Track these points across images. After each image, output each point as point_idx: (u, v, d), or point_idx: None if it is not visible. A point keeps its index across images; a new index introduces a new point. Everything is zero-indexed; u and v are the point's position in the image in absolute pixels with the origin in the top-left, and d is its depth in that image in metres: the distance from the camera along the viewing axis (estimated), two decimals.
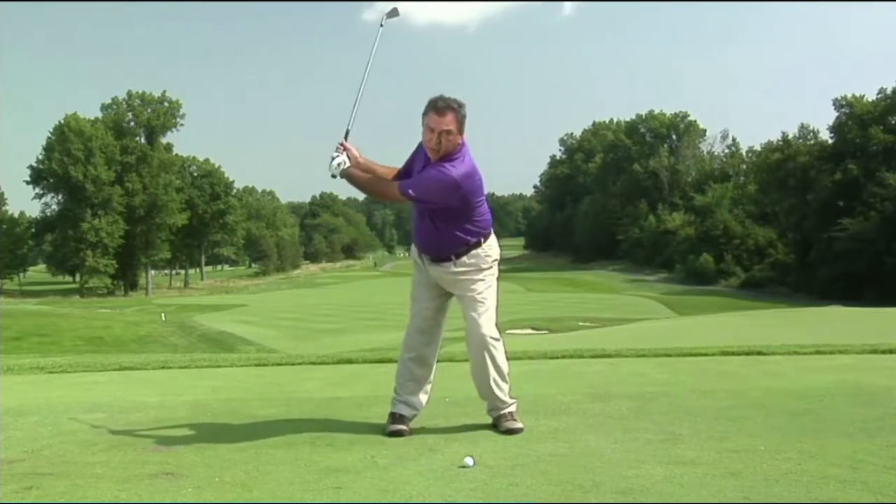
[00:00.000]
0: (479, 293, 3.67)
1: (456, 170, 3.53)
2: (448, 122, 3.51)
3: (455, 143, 3.56)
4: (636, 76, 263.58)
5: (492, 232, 3.79)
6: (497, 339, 3.66)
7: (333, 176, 3.68)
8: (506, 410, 3.67)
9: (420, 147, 3.73)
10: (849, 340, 8.38)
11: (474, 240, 3.67)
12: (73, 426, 3.92)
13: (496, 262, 3.78)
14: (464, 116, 3.57)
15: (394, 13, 4.04)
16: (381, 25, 3.95)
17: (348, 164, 3.67)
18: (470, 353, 3.72)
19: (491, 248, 3.74)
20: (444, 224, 3.62)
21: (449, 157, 3.56)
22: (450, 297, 3.82)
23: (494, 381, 3.65)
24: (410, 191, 3.56)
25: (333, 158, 3.65)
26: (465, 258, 3.66)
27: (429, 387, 3.83)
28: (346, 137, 3.76)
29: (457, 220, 3.62)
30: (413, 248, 3.88)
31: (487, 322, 3.64)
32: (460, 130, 3.56)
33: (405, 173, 3.80)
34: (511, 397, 3.71)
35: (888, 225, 57.52)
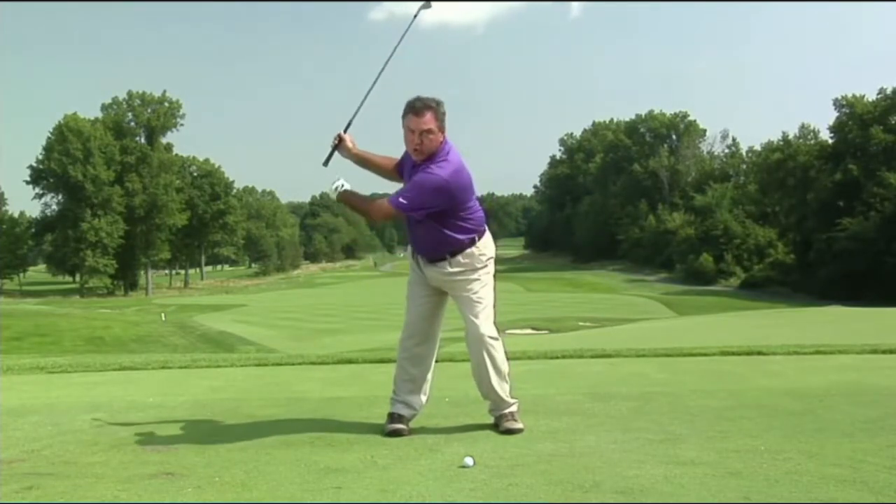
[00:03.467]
0: (475, 293, 3.66)
1: (443, 169, 3.52)
2: (427, 121, 3.51)
3: (437, 143, 3.55)
4: (637, 76, 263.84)
5: (486, 230, 3.78)
6: (496, 339, 3.65)
7: (337, 199, 3.74)
8: (507, 410, 3.66)
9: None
10: (849, 340, 8.39)
11: (468, 238, 3.66)
12: (73, 426, 3.92)
13: (491, 260, 3.76)
14: (443, 114, 3.56)
15: (427, 5, 4.02)
16: (415, 16, 3.95)
17: (346, 186, 3.70)
18: (469, 354, 3.71)
19: (486, 246, 3.73)
20: (437, 224, 3.60)
21: (433, 157, 3.55)
22: (446, 296, 3.81)
23: (494, 380, 3.64)
24: (401, 199, 3.51)
25: (334, 182, 3.70)
26: (459, 258, 3.65)
27: (427, 387, 3.82)
28: (346, 129, 3.80)
29: (448, 220, 3.60)
30: (409, 248, 3.88)
31: (485, 321, 3.63)
32: (441, 129, 3.56)
33: (400, 167, 3.83)
34: (512, 397, 3.71)
35: (888, 225, 57.50)
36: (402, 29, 3.90)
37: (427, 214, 3.58)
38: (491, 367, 3.63)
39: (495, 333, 3.66)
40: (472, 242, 3.67)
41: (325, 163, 3.85)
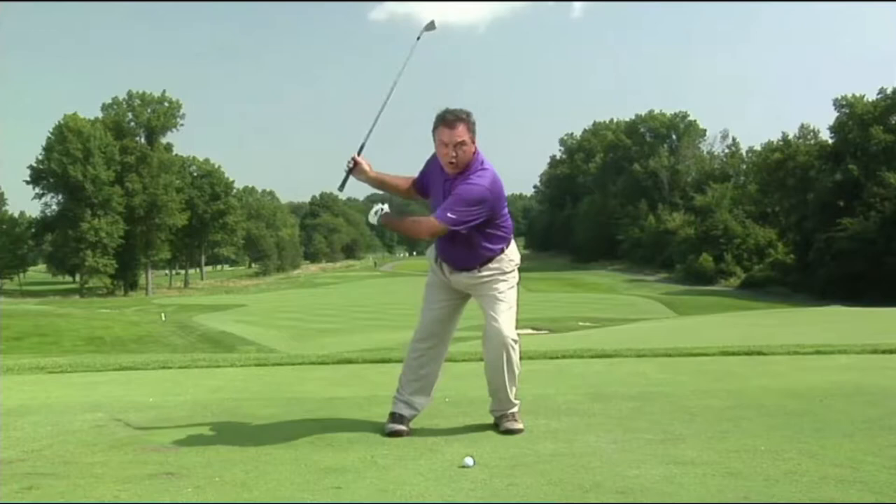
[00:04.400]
0: (500, 292, 3.66)
1: (483, 179, 3.52)
2: (460, 133, 3.50)
3: (471, 154, 3.56)
4: (637, 76, 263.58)
5: (512, 237, 3.80)
6: (516, 341, 3.64)
7: (372, 224, 3.77)
8: (508, 411, 3.67)
9: (433, 161, 3.72)
10: (849, 340, 8.39)
11: (499, 248, 3.67)
12: (73, 426, 3.92)
13: (517, 267, 3.78)
14: (474, 124, 3.57)
15: (431, 26, 4.00)
16: (419, 38, 3.92)
17: (386, 209, 3.70)
18: (486, 352, 3.69)
19: (514, 252, 3.75)
20: (473, 235, 3.58)
21: (468, 168, 3.55)
22: (465, 300, 3.82)
23: (507, 380, 3.64)
24: (450, 215, 3.47)
25: (374, 207, 3.71)
26: (489, 264, 3.66)
27: (432, 388, 3.81)
28: (359, 152, 3.77)
29: (485, 230, 3.60)
30: (431, 251, 3.85)
31: (507, 322, 3.63)
32: (473, 140, 3.56)
33: (420, 183, 3.81)
34: (515, 399, 3.70)
35: (888, 225, 57.51)
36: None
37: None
38: (506, 367, 3.62)
39: (515, 335, 3.65)
40: (502, 251, 3.69)
41: (341, 188, 3.84)
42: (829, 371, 5.39)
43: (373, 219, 3.73)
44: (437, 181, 3.68)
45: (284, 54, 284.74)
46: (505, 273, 3.69)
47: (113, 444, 3.49)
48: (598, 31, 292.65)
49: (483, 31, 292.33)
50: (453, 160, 3.53)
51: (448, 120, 3.51)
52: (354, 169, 3.77)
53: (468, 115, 3.56)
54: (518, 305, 3.73)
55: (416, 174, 3.88)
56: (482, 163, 3.57)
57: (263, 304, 56.50)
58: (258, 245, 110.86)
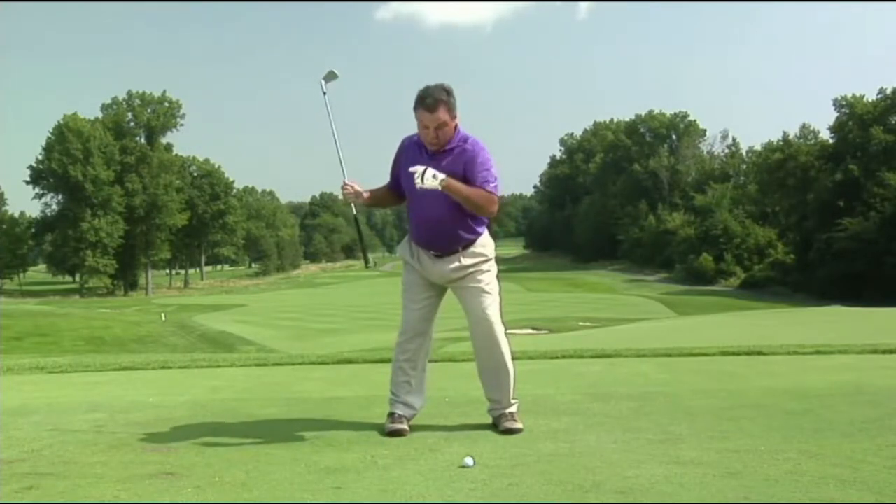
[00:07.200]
0: (486, 283, 3.67)
1: (479, 143, 3.58)
2: (440, 115, 3.51)
3: (452, 131, 3.57)
4: (637, 76, 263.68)
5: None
6: (505, 331, 3.65)
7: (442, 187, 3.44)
8: (507, 410, 3.66)
9: (406, 146, 3.73)
10: (849, 340, 8.39)
11: (481, 229, 3.69)
12: (73, 426, 3.92)
13: (494, 255, 3.80)
14: (454, 101, 3.56)
15: (332, 76, 4.05)
16: (325, 93, 3.99)
17: (440, 175, 3.45)
18: (477, 345, 3.69)
19: (490, 239, 3.77)
20: (460, 215, 3.57)
21: (450, 142, 3.57)
22: (444, 294, 3.80)
23: (503, 373, 3.64)
24: (493, 186, 3.53)
25: (425, 174, 3.42)
26: (471, 249, 3.65)
27: (424, 386, 3.81)
28: (345, 176, 3.82)
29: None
30: (403, 247, 3.81)
31: (497, 314, 3.65)
32: (453, 117, 3.57)
33: (396, 183, 3.79)
34: (513, 398, 3.70)
35: (888, 225, 57.54)
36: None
37: (454, 204, 3.55)
38: (505, 360, 3.64)
39: (503, 325, 3.66)
40: (482, 234, 3.71)
41: (355, 219, 3.98)
42: (829, 371, 5.39)
43: (431, 182, 3.42)
44: (416, 159, 3.62)
45: (287, 53, 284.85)
46: (488, 260, 3.70)
47: (113, 444, 3.49)
48: (601, 32, 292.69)
49: (490, 31, 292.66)
50: (435, 141, 3.55)
51: (427, 104, 3.49)
52: (357, 198, 3.81)
53: (448, 93, 3.53)
54: (501, 298, 3.73)
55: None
56: (464, 134, 3.60)
57: (263, 304, 56.52)
58: (258, 245, 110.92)
